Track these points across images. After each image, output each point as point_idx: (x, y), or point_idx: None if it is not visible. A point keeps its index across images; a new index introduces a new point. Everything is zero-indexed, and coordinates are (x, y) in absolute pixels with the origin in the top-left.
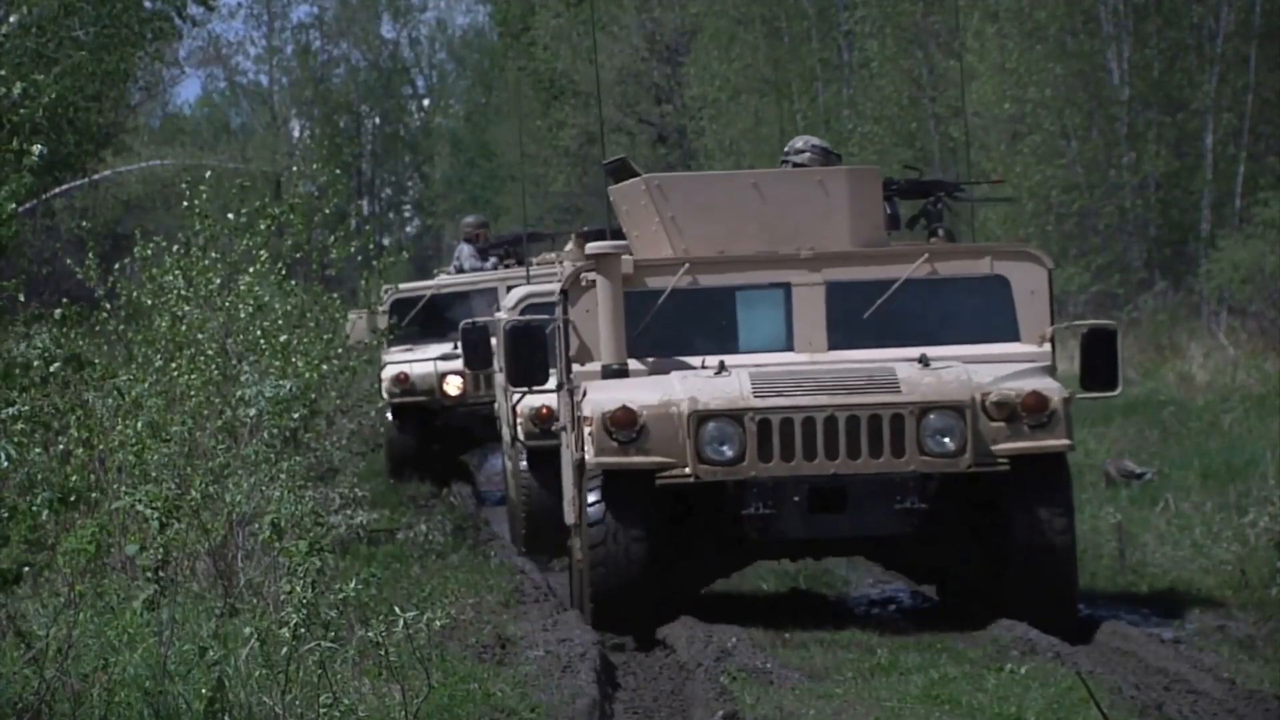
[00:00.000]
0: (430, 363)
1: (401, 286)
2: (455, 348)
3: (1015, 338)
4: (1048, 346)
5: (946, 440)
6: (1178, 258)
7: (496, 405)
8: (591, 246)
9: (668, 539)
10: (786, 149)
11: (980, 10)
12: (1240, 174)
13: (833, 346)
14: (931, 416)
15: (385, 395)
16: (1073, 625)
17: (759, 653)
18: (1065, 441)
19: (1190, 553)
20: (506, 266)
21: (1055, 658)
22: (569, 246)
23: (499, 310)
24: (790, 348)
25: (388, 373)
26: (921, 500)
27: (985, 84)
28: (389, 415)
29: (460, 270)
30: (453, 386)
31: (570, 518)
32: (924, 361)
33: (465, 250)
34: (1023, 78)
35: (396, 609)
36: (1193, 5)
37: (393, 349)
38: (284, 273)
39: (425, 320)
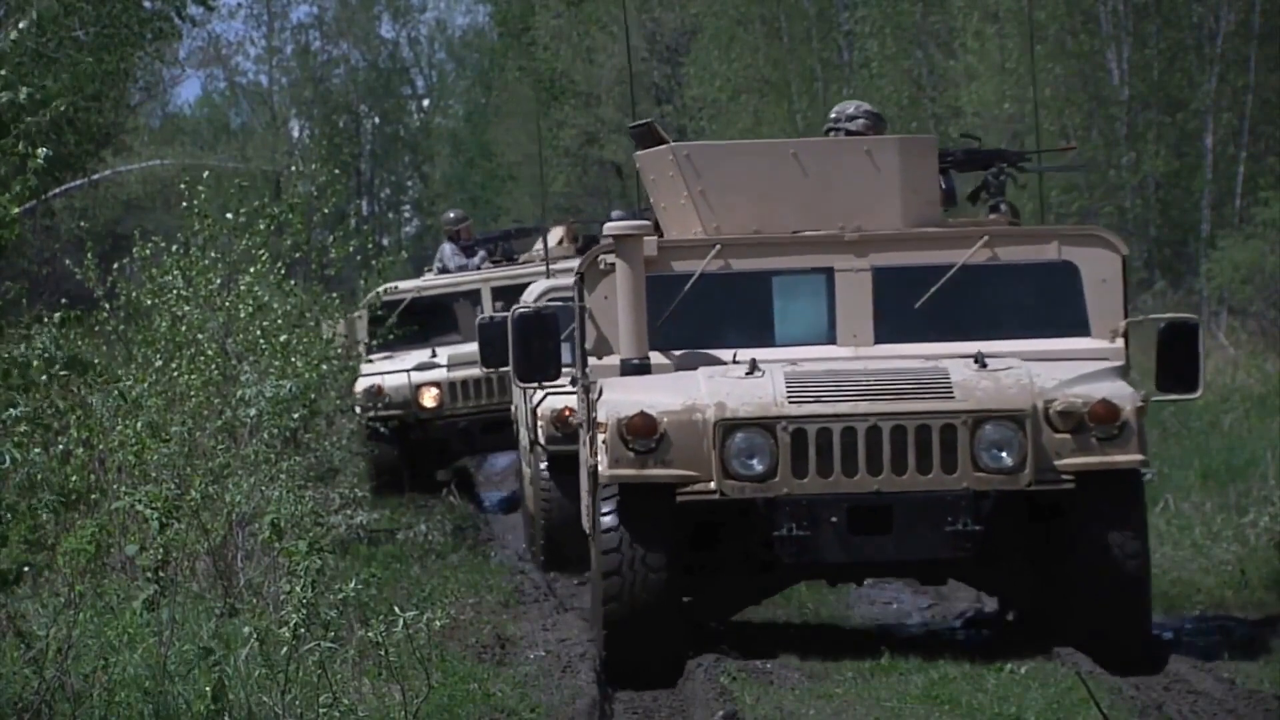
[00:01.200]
0: (404, 374)
1: (385, 288)
2: (433, 355)
3: (1085, 332)
4: (1120, 343)
5: (1004, 454)
6: (1178, 258)
7: (514, 407)
8: (611, 226)
9: (690, 564)
10: (835, 113)
11: (980, 10)
12: (1240, 174)
13: (879, 340)
14: (988, 427)
15: (357, 410)
16: (1145, 660)
17: (759, 653)
18: (1138, 457)
19: (1190, 553)
20: (495, 263)
21: (1055, 658)
22: (558, 237)
23: (497, 307)
24: (832, 340)
25: (361, 385)
26: (975, 521)
27: (985, 84)
28: (364, 432)
29: (444, 270)
30: (429, 398)
31: (588, 525)
32: (980, 361)
33: (447, 250)
34: (1023, 78)
35: (396, 609)
36: (1193, 5)
37: (374, 356)
38: (283, 273)
39: (405, 324)
